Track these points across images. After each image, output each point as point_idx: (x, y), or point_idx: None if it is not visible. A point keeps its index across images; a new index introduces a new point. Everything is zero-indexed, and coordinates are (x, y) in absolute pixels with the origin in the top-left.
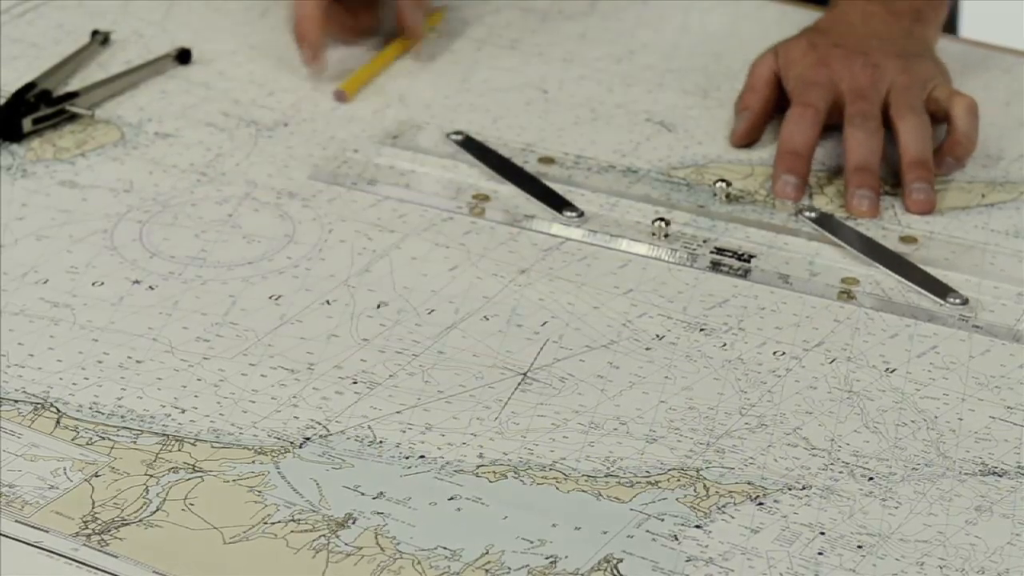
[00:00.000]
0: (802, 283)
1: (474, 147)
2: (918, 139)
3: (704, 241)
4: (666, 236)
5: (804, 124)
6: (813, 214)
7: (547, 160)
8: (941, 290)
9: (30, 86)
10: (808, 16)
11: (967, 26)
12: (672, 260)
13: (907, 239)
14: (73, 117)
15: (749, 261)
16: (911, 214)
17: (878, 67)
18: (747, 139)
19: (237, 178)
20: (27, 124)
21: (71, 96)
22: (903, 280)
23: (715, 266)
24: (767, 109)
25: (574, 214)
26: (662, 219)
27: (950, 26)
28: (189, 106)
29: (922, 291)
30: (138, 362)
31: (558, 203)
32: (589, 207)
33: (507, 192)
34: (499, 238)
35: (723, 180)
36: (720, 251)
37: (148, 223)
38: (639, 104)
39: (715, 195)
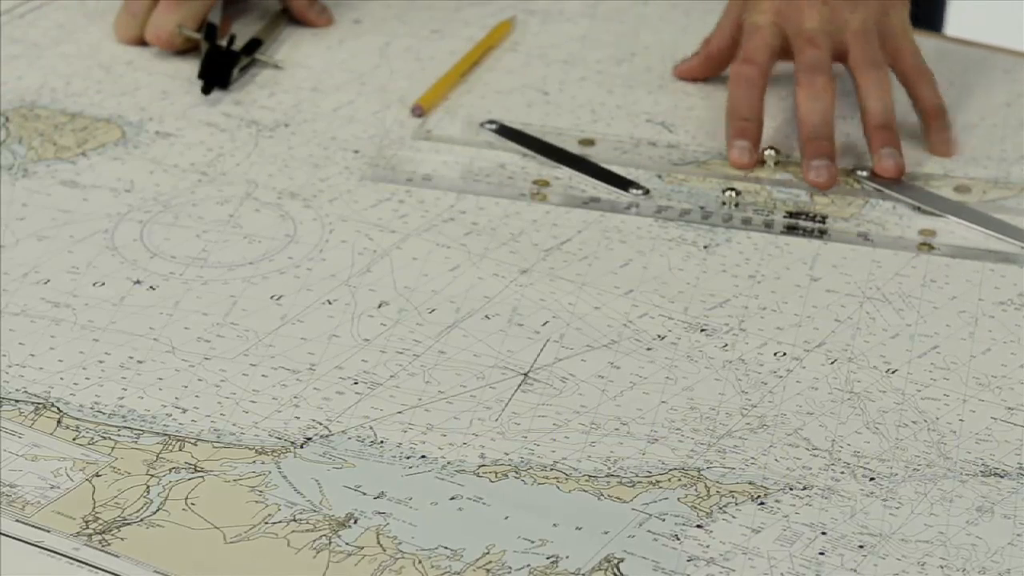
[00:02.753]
0: (881, 239)
1: (511, 134)
2: (880, 99)
3: (775, 207)
4: (736, 206)
5: (747, 86)
6: (865, 173)
7: (587, 142)
8: (1016, 232)
9: (213, 27)
10: None
11: (953, 24)
12: (749, 227)
13: (962, 188)
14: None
15: (824, 222)
16: (882, 175)
17: (827, 3)
18: (689, 77)
19: (238, 178)
20: (234, 73)
21: (257, 44)
22: (976, 227)
23: (791, 230)
24: (723, 57)
25: (640, 192)
26: (732, 189)
27: (936, 22)
28: (190, 106)
29: (1001, 236)
30: (139, 362)
31: (621, 182)
32: (648, 184)
33: (562, 176)
34: (500, 238)
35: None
36: (793, 215)
37: (149, 223)
38: (640, 106)
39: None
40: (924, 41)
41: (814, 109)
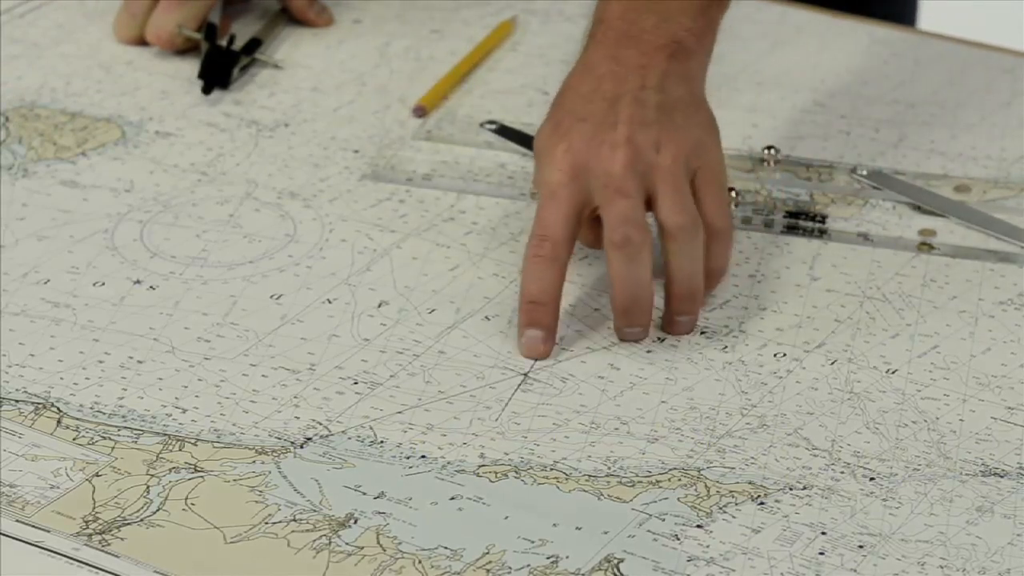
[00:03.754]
0: (881, 239)
1: (511, 134)
2: (690, 265)
3: (774, 207)
4: (736, 205)
5: (542, 268)
6: (865, 172)
7: None
8: (1016, 232)
9: (213, 27)
10: (809, 17)
11: (926, 18)
12: (748, 227)
13: (962, 188)
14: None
15: (824, 221)
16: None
17: (631, 143)
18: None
19: (238, 178)
20: (235, 73)
21: (257, 44)
22: (976, 227)
23: (791, 229)
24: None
25: None
26: (732, 189)
27: (909, 17)
28: (190, 106)
29: (1001, 236)
30: (139, 362)
31: None
32: None
33: None
34: (500, 238)
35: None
36: (793, 214)
37: (149, 223)
38: None
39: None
40: (921, 40)
41: (630, 275)
